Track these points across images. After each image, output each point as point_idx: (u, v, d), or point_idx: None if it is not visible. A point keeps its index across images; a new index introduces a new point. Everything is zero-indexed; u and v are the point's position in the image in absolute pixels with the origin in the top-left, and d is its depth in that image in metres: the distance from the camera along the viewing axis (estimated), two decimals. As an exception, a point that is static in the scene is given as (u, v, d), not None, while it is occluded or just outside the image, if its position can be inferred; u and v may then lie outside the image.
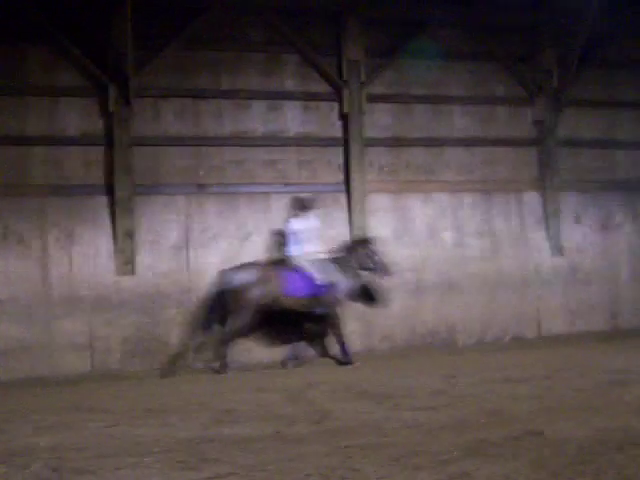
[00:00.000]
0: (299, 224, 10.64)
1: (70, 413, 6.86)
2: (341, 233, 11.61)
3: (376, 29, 12.17)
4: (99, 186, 10.83)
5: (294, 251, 10.56)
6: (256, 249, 11.18)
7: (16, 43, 10.70)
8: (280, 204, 11.38)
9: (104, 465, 4.61)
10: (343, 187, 11.96)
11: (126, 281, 10.68)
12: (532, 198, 13.08)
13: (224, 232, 11.24)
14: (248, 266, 10.37)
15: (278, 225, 11.15)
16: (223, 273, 10.34)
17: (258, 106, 11.69)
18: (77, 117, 10.93)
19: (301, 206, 10.83)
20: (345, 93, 11.83)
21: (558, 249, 12.97)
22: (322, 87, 12.02)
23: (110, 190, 10.80)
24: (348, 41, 11.94)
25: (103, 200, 10.84)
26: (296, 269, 10.41)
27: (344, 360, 10.44)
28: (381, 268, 10.79)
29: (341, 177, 11.99)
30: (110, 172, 10.82)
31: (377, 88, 12.19)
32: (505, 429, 5.25)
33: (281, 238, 10.98)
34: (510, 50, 13.01)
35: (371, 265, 10.80)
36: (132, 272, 10.71)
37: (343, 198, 11.96)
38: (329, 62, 11.97)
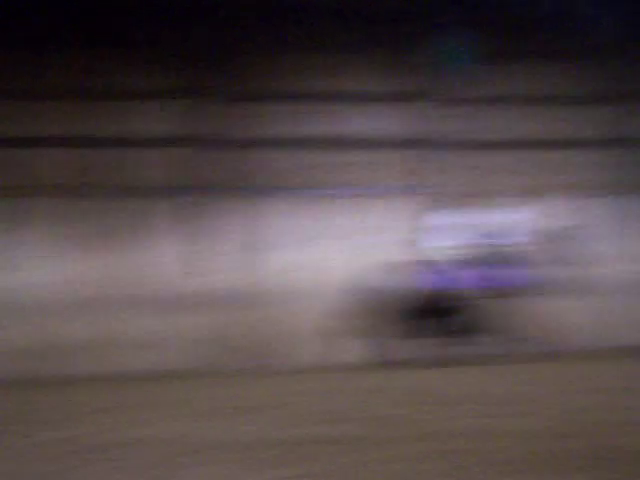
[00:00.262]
0: (459, 218, 10.29)
1: (163, 408, 6.91)
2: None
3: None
4: (196, 188, 10.92)
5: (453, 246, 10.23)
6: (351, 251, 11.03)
7: (111, 47, 10.96)
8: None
9: (197, 460, 4.51)
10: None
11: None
12: None
13: (319, 234, 11.12)
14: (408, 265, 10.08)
15: (374, 226, 10.99)
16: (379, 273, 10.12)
17: (359, 108, 11.45)
18: (176, 120, 11.06)
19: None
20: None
21: None
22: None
23: (207, 192, 10.87)
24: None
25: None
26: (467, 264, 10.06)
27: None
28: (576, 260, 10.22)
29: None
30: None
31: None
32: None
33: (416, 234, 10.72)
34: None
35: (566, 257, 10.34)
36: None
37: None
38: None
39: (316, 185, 11.34)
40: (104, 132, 10.96)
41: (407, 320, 10.12)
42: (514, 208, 10.90)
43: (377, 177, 11.59)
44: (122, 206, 10.86)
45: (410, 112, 11.66)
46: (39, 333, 10.33)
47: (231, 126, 11.13)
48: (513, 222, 10.68)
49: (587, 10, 11.97)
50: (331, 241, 11.27)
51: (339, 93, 11.44)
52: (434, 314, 10.21)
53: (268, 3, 11.15)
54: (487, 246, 10.48)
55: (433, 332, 10.44)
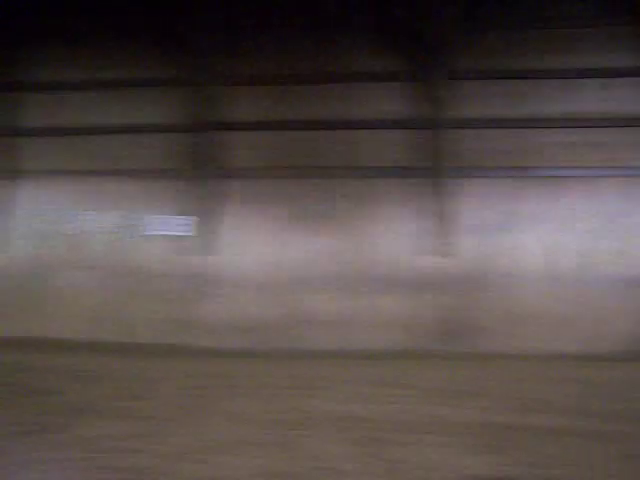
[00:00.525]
0: None
1: (381, 387, 7.15)
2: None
3: None
4: (416, 169, 11.15)
5: None
6: (580, 235, 10.62)
7: (334, 31, 11.44)
8: (609, 189, 10.65)
9: (409, 440, 4.76)
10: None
11: (441, 263, 10.87)
12: None
13: (542, 217, 10.84)
14: None
15: (606, 211, 10.48)
16: None
17: (589, 85, 10.98)
18: (396, 101, 11.36)
19: None
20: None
21: None
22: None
23: (427, 173, 11.05)
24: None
25: (420, 182, 11.13)
26: None
27: None
28: None
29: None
30: (429, 155, 11.08)
31: None
32: None
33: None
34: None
35: None
36: (448, 254, 10.86)
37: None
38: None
39: (552, 165, 11.00)
40: (332, 115, 11.50)
41: None
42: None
43: (615, 158, 10.98)
44: (352, 187, 11.33)
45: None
46: (278, 308, 11.12)
47: (460, 106, 11.14)
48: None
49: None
50: (562, 224, 10.90)
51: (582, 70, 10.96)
52: None
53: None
54: None
55: None
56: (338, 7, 11.39)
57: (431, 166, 11.08)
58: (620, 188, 10.82)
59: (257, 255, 11.41)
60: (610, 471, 4.02)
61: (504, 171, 11.05)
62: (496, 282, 10.80)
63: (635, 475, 3.99)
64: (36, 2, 12.10)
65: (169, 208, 11.76)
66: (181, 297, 11.43)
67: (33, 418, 5.32)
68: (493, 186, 11.06)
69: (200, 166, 11.66)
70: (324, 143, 11.52)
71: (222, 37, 11.76)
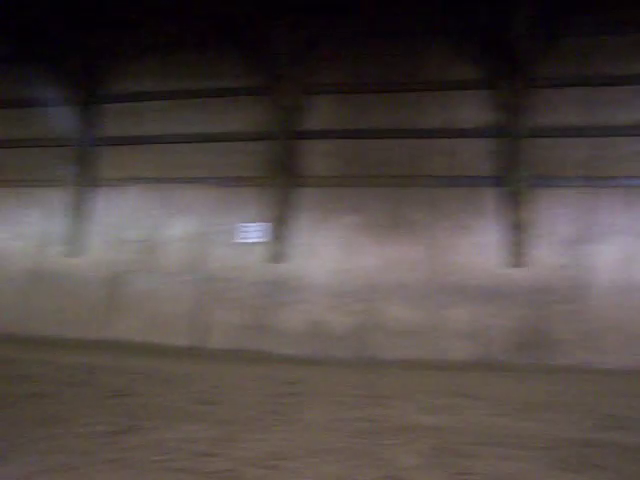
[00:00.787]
0: None
1: (453, 397, 7.10)
2: None
3: None
4: (490, 178, 11.02)
5: None
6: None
7: (413, 39, 11.46)
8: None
9: (482, 453, 4.70)
10: None
11: (516, 273, 10.71)
12: None
13: (620, 228, 10.55)
14: None
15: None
16: None
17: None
18: (470, 109, 11.27)
19: None
20: None
21: None
22: None
23: (501, 182, 10.92)
24: None
25: (494, 191, 10.99)
26: None
27: None
28: None
29: None
30: (503, 164, 10.94)
31: None
32: None
33: None
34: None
35: None
36: (522, 265, 10.69)
37: None
38: None
39: (631, 175, 10.66)
40: (408, 123, 11.49)
41: None
42: None
43: None
44: (426, 195, 11.28)
45: None
46: (352, 316, 11.15)
47: (538, 114, 10.97)
48: None
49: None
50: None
51: None
52: None
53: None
54: None
55: None
56: (418, 15, 11.38)
57: (508, 175, 10.91)
58: None
59: (332, 262, 11.48)
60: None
61: (582, 180, 10.79)
62: (573, 293, 10.54)
63: None
64: (114, 16, 12.53)
65: (245, 215, 11.95)
66: (256, 304, 11.58)
67: (112, 419, 5.50)
68: (570, 196, 10.81)
69: (277, 174, 11.81)
70: (399, 151, 11.51)
71: (299, 46, 11.90)
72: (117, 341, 11.76)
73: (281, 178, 11.78)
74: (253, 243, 11.81)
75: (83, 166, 12.89)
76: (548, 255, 10.74)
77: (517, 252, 10.74)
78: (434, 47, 11.49)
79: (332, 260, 11.45)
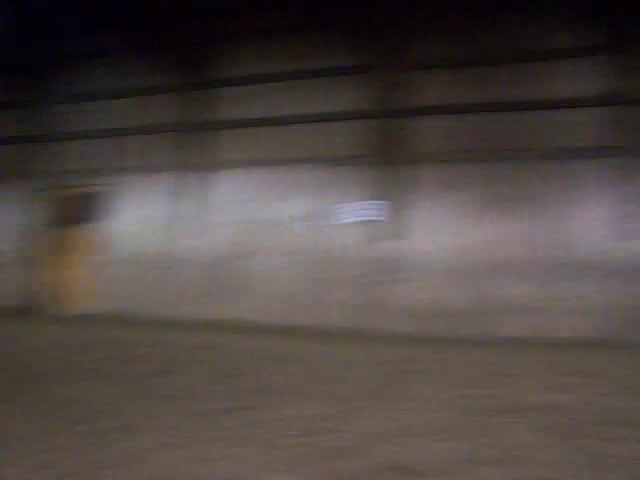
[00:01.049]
0: None
1: (577, 376, 6.87)
2: None
3: None
4: (615, 148, 10.49)
5: None
6: None
7: (523, 9, 11.06)
8: None
9: (610, 433, 4.53)
10: None
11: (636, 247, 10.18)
12: None
13: None
14: None
15: None
16: None
17: None
18: (592, 77, 10.73)
19: None
20: None
21: None
22: None
23: (626, 152, 10.38)
24: None
25: (618, 163, 10.46)
26: None
27: None
28: None
29: None
30: (628, 133, 10.39)
31: None
32: None
33: None
34: None
35: None
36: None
37: None
38: None
39: None
40: (524, 95, 11.08)
41: None
42: None
43: None
44: (545, 169, 10.88)
45: None
46: (469, 293, 10.96)
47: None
48: None
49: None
50: None
51: None
52: None
53: None
54: None
55: None
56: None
57: (628, 145, 10.35)
58: None
59: (448, 239, 11.30)
60: None
61: None
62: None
63: None
64: (226, 2, 12.83)
65: (360, 194, 11.94)
66: (373, 282, 11.58)
67: (233, 396, 5.68)
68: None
69: (390, 152, 11.72)
70: (516, 125, 11.12)
71: (410, 22, 11.73)
72: (236, 321, 12.10)
73: (397, 156, 11.70)
74: (370, 221, 11.81)
75: (202, 150, 13.27)
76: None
77: (627, 226, 10.21)
78: (548, 16, 11.01)
79: (448, 237, 11.27)
